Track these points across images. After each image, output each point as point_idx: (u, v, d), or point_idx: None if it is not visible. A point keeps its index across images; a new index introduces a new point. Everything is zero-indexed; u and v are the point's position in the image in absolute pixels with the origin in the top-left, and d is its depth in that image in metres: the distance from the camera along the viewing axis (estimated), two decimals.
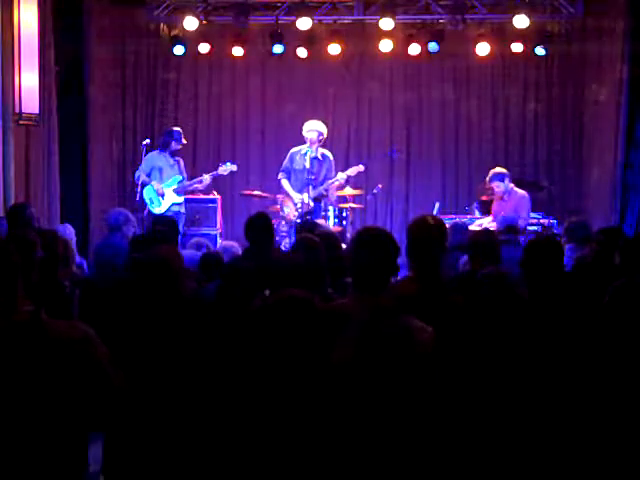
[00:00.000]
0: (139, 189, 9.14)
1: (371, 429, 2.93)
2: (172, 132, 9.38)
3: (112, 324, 3.23)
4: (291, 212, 9.17)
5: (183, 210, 9.39)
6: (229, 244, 6.54)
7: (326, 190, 9.26)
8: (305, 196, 9.11)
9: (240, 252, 6.20)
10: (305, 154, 9.17)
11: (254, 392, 2.89)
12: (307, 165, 9.09)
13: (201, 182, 9.36)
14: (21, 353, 2.56)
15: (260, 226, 5.56)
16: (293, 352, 2.87)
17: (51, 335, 2.59)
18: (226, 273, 3.96)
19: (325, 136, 9.33)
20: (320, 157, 9.23)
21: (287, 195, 9.35)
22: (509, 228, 6.84)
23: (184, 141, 9.44)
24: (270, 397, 2.86)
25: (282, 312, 2.91)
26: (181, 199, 9.34)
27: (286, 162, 9.40)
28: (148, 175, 9.22)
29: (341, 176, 9.26)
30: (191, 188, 9.41)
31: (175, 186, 9.24)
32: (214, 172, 9.47)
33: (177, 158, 9.41)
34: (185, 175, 9.40)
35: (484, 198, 9.53)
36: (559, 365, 3.30)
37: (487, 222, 8.69)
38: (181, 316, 3.28)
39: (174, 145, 9.29)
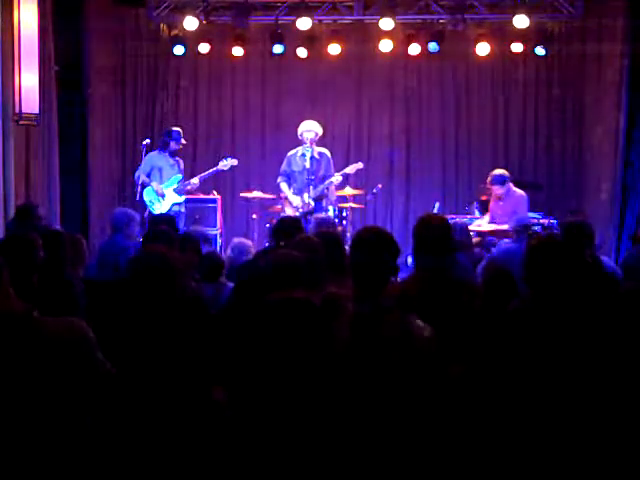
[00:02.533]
0: (139, 189, 9.14)
1: (370, 427, 2.93)
2: (171, 132, 9.36)
3: (114, 324, 3.23)
4: (292, 213, 9.17)
5: (183, 210, 9.39)
6: (241, 241, 6.52)
7: (327, 189, 9.26)
8: (305, 196, 9.11)
9: (252, 248, 6.21)
10: (304, 155, 9.17)
11: (254, 391, 2.89)
12: (307, 165, 9.08)
13: (189, 184, 9.36)
14: (11, 348, 2.57)
15: (285, 229, 5.53)
16: (294, 354, 2.87)
17: (41, 331, 2.60)
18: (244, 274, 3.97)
19: (320, 135, 9.33)
20: (317, 156, 9.23)
21: (286, 199, 9.34)
22: (525, 227, 6.87)
23: (183, 141, 9.42)
24: (270, 394, 2.86)
25: (282, 315, 2.91)
26: (182, 199, 9.34)
27: (284, 166, 9.38)
28: (148, 175, 9.22)
29: (337, 178, 9.25)
30: (185, 190, 9.40)
31: (175, 186, 9.24)
32: (203, 174, 9.50)
33: (177, 158, 9.40)
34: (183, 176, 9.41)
35: (484, 198, 9.53)
36: (563, 365, 3.30)
37: (485, 223, 8.68)
38: (181, 316, 3.28)
39: (173, 145, 9.27)
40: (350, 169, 9.40)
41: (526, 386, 3.27)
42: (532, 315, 3.46)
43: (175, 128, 9.49)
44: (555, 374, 3.27)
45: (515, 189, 8.66)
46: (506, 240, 7.57)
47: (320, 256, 4.28)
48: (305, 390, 2.86)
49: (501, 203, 8.57)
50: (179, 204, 9.31)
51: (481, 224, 8.67)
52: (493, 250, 7.29)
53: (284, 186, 9.34)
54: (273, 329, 2.92)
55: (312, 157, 9.15)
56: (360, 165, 9.49)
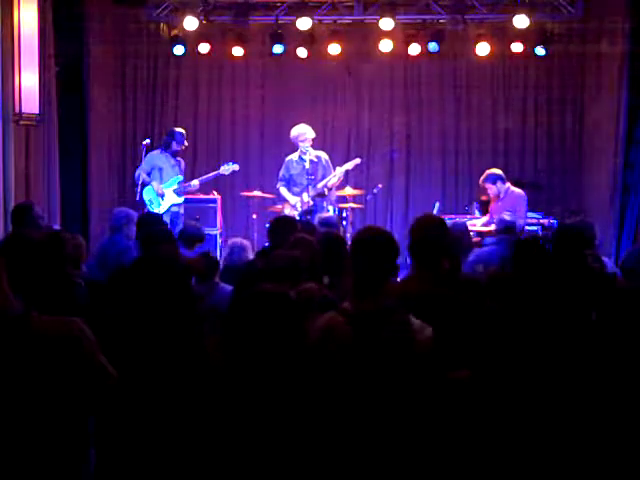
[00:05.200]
0: (139, 189, 9.14)
1: (369, 427, 2.93)
2: (173, 133, 9.35)
3: (115, 324, 3.22)
4: (292, 212, 9.17)
5: (182, 211, 9.37)
6: (239, 241, 6.54)
7: (327, 188, 9.26)
8: (304, 195, 9.13)
9: (249, 247, 6.23)
10: (302, 158, 9.21)
11: (247, 390, 2.88)
12: (307, 165, 9.10)
13: (189, 186, 9.35)
14: (9, 349, 2.57)
15: (282, 228, 5.56)
16: (271, 345, 2.87)
17: (39, 332, 2.60)
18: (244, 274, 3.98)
19: (313, 137, 9.34)
20: (315, 159, 9.25)
21: (286, 201, 9.36)
22: (507, 229, 6.87)
23: (186, 143, 9.42)
24: (261, 396, 2.86)
25: (255, 306, 2.92)
26: (181, 200, 9.33)
27: (283, 171, 9.40)
28: (148, 174, 9.21)
29: (339, 170, 9.27)
30: (185, 191, 9.39)
31: (175, 186, 9.24)
32: (204, 177, 9.50)
33: (178, 159, 9.39)
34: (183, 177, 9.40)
35: (484, 198, 9.53)
36: (558, 364, 3.30)
37: (480, 223, 8.69)
38: (194, 317, 3.29)
39: (175, 146, 9.26)
40: (349, 165, 9.41)
41: (523, 387, 3.27)
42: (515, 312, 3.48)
43: (178, 129, 9.48)
44: (536, 372, 3.27)
45: (513, 188, 8.67)
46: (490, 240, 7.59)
47: (317, 255, 4.29)
48: (290, 388, 2.85)
49: (500, 203, 8.59)
50: (178, 205, 9.30)
51: (475, 224, 8.67)
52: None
53: (284, 190, 9.37)
54: (248, 321, 2.92)
55: (310, 160, 9.16)
56: (358, 160, 9.53)
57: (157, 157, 9.29)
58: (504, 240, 6.79)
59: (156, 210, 9.08)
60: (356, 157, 10.39)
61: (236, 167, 9.56)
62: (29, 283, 2.91)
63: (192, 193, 9.66)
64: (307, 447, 2.84)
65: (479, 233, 8.35)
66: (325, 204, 9.29)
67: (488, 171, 8.73)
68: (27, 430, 2.59)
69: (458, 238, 5.00)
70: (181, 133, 9.34)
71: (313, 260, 4.29)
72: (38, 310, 2.70)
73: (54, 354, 2.60)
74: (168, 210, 9.15)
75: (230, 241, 6.63)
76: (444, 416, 3.07)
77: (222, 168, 9.50)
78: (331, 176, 9.23)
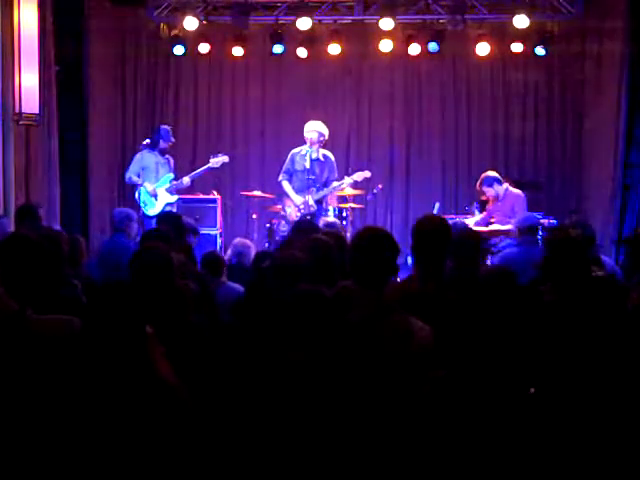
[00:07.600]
0: (137, 189, 9.14)
1: (369, 427, 2.93)
2: (159, 130, 9.27)
3: (115, 324, 3.22)
4: (293, 212, 9.14)
5: (176, 210, 9.33)
6: (242, 242, 6.55)
7: (331, 192, 9.24)
8: (309, 198, 9.08)
9: (253, 250, 6.24)
10: (305, 155, 9.14)
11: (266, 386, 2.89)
12: (307, 165, 9.07)
13: (181, 183, 9.31)
14: (4, 349, 2.56)
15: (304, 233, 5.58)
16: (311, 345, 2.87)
17: (35, 330, 2.59)
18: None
19: (326, 137, 9.26)
20: (322, 158, 9.19)
21: (288, 197, 9.31)
22: (530, 228, 6.75)
23: (172, 139, 9.34)
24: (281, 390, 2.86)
25: (299, 307, 2.93)
26: (174, 198, 9.27)
27: (287, 164, 9.34)
28: (138, 175, 9.17)
29: (348, 181, 9.22)
30: (177, 189, 9.34)
31: (167, 185, 9.19)
32: (194, 172, 9.45)
33: (167, 157, 9.30)
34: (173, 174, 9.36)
35: (484, 198, 9.52)
36: (570, 362, 3.29)
37: (473, 221, 8.68)
38: (182, 314, 3.29)
39: (162, 143, 9.17)
40: (358, 176, 9.31)
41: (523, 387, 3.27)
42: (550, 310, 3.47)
43: (164, 126, 9.40)
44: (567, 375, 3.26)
45: (512, 189, 8.67)
46: (508, 241, 7.55)
47: (333, 255, 4.27)
48: (306, 387, 2.86)
49: (499, 203, 8.59)
50: (171, 204, 9.25)
51: (469, 222, 8.65)
52: (495, 255, 7.20)
53: (286, 184, 9.30)
54: (288, 321, 2.93)
55: (315, 159, 9.11)
56: (368, 174, 9.37)
57: (146, 157, 9.23)
58: (528, 241, 6.65)
59: (151, 212, 9.03)
60: (356, 156, 10.43)
61: (226, 158, 9.48)
62: (24, 283, 2.90)
63: (184, 190, 9.57)
64: (312, 444, 2.85)
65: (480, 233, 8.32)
66: (324, 204, 9.27)
67: (483, 175, 8.72)
68: (20, 428, 2.58)
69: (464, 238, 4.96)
70: (167, 129, 9.27)
71: (327, 260, 4.28)
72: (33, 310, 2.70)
73: (49, 352, 2.59)
74: (162, 210, 9.10)
75: (234, 241, 6.65)
76: (442, 416, 3.07)
77: (212, 161, 9.42)
78: (338, 184, 9.19)
